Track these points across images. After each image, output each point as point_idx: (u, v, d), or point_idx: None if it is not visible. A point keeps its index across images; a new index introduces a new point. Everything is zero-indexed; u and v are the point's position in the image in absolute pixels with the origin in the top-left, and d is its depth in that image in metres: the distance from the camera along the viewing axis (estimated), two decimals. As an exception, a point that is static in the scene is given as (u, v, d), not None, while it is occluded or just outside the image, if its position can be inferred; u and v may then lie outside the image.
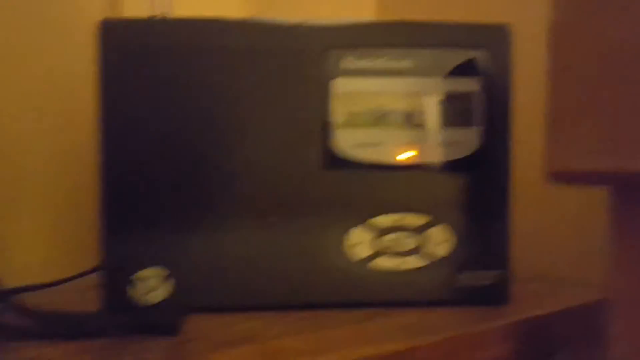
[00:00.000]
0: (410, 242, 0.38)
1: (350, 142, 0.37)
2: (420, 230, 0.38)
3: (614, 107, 0.24)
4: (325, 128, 0.37)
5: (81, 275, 0.39)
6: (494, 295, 0.38)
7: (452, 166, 0.38)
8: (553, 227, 0.51)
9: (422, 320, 0.35)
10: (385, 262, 0.37)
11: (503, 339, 0.35)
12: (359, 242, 0.37)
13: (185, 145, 0.36)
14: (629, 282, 0.27)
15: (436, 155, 0.38)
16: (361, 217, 0.37)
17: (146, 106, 0.36)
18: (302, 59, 0.37)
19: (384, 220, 0.37)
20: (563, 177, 0.26)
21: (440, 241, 0.38)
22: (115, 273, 0.35)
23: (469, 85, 0.38)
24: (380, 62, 0.38)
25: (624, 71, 0.24)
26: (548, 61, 0.27)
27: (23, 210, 0.46)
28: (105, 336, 0.31)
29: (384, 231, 0.37)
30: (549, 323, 0.38)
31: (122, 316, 0.32)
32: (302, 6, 0.60)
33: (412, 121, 0.38)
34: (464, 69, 0.38)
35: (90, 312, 0.34)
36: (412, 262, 0.38)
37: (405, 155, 0.38)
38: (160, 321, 0.32)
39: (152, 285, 0.36)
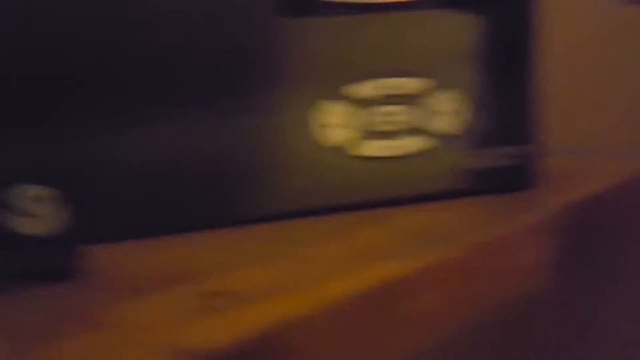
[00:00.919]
0: (406, 116, 0.27)
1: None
2: (418, 99, 0.27)
3: None
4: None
5: None
6: (518, 178, 0.29)
7: (457, 5, 0.26)
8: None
9: (432, 222, 0.25)
10: (373, 147, 0.27)
11: (536, 234, 0.26)
12: (334, 121, 0.26)
13: None
14: None
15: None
16: (334, 85, 0.26)
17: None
18: None
19: (368, 87, 0.26)
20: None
21: (447, 112, 0.27)
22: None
23: None
24: None
25: None
26: None
27: None
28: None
29: (369, 103, 0.26)
30: (590, 206, 0.29)
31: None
32: None
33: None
34: None
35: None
36: (411, 144, 0.27)
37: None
38: (42, 261, 0.21)
39: (36, 210, 0.24)
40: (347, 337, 0.18)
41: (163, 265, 0.23)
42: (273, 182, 0.26)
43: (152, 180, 0.25)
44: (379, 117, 0.26)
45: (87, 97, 0.24)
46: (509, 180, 0.28)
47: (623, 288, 0.36)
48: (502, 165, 0.28)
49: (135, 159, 0.25)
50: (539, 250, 0.25)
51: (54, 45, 0.23)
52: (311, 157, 0.26)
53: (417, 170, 0.27)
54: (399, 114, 0.27)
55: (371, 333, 0.19)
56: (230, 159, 0.26)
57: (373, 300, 0.19)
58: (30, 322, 0.17)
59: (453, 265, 0.21)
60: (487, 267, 0.23)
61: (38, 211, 0.24)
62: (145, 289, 0.20)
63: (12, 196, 0.24)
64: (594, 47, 0.41)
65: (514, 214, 0.26)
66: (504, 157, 0.28)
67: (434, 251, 0.21)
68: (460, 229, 0.24)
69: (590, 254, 0.29)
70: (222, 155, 0.26)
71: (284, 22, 0.25)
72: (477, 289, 0.22)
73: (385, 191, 0.27)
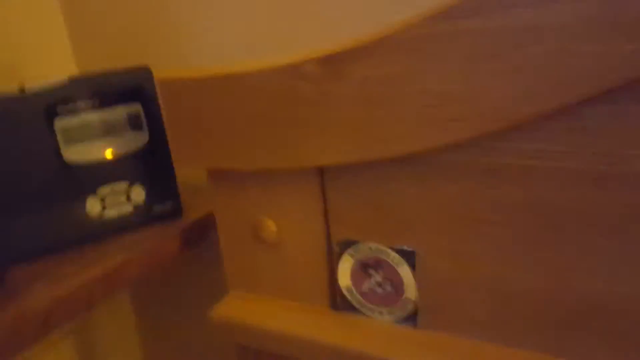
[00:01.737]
0: (122, 198, 0.70)
1: (75, 153, 0.66)
2: (126, 190, 0.70)
3: (201, 133, 0.58)
4: (56, 148, 0.65)
5: None
6: (174, 214, 0.73)
7: (137, 153, 0.70)
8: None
9: (138, 239, 0.69)
10: (110, 212, 0.69)
11: (183, 234, 0.71)
12: (93, 204, 0.68)
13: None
14: (224, 214, 0.64)
15: (126, 148, 0.69)
16: (93, 190, 0.68)
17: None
18: (31, 114, 0.64)
19: (105, 189, 0.68)
20: (185, 167, 0.60)
21: (139, 193, 0.71)
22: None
23: (136, 107, 0.69)
24: (80, 103, 0.66)
25: (205, 113, 0.58)
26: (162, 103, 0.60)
27: None
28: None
29: (106, 194, 0.69)
30: (206, 220, 0.75)
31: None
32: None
33: (109, 133, 0.68)
34: (131, 97, 0.69)
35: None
36: (125, 209, 0.70)
37: (109, 152, 0.68)
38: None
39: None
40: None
41: (49, 270, 0.62)
42: (73, 232, 0.67)
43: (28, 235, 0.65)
44: (111, 198, 0.69)
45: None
46: (170, 216, 0.73)
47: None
48: (166, 210, 0.72)
49: (22, 230, 0.64)
50: (177, 243, 0.70)
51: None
52: (87, 220, 0.68)
53: (131, 218, 0.70)
54: (119, 196, 0.69)
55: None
56: (54, 225, 0.66)
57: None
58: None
59: (132, 261, 0.65)
60: (148, 257, 0.67)
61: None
62: (51, 282, 0.60)
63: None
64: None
65: (169, 229, 0.70)
66: (167, 206, 0.72)
67: (119, 257, 0.65)
68: (142, 241, 0.68)
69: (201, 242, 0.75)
70: (50, 211, 0.66)
71: (66, 171, 0.66)
72: (136, 270, 0.66)
73: (119, 228, 0.70)
